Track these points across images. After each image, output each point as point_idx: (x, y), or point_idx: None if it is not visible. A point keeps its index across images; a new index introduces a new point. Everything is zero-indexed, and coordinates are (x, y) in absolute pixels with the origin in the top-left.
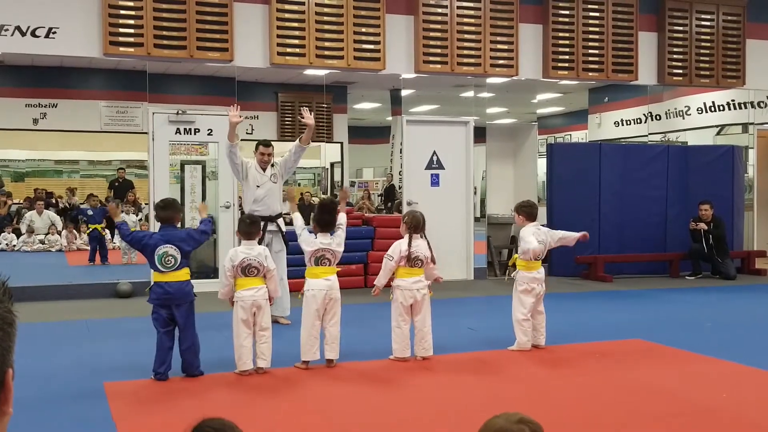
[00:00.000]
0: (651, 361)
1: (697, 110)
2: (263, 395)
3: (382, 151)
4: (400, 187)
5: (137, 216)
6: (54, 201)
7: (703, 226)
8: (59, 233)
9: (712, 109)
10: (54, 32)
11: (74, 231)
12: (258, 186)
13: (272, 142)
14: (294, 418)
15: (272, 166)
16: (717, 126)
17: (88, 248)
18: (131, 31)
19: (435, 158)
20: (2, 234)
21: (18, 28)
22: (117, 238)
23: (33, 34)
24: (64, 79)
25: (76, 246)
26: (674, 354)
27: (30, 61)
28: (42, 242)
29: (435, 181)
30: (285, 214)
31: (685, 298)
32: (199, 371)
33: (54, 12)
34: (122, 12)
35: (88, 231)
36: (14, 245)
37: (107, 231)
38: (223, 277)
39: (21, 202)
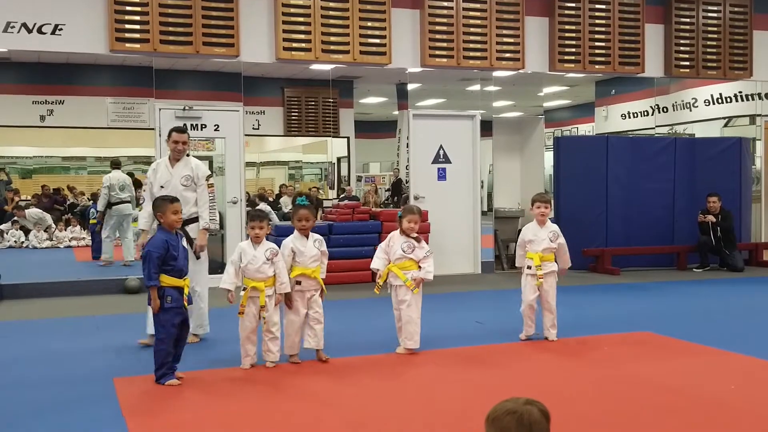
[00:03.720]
0: (659, 353)
1: (705, 102)
2: (272, 390)
3: (388, 145)
4: (407, 182)
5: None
6: (61, 198)
7: (711, 218)
8: (65, 228)
9: (720, 101)
10: (60, 29)
11: (79, 226)
12: (162, 186)
13: (186, 130)
14: (304, 412)
15: (188, 166)
16: (724, 118)
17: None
18: (137, 27)
19: (442, 152)
20: (10, 231)
21: (24, 24)
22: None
23: (39, 31)
24: (71, 75)
25: (85, 242)
26: (682, 346)
27: (37, 57)
28: (50, 239)
29: (442, 175)
30: (194, 219)
31: (692, 291)
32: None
33: (60, 8)
34: (128, 8)
35: (96, 224)
36: (22, 242)
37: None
38: (230, 268)
39: (29, 198)
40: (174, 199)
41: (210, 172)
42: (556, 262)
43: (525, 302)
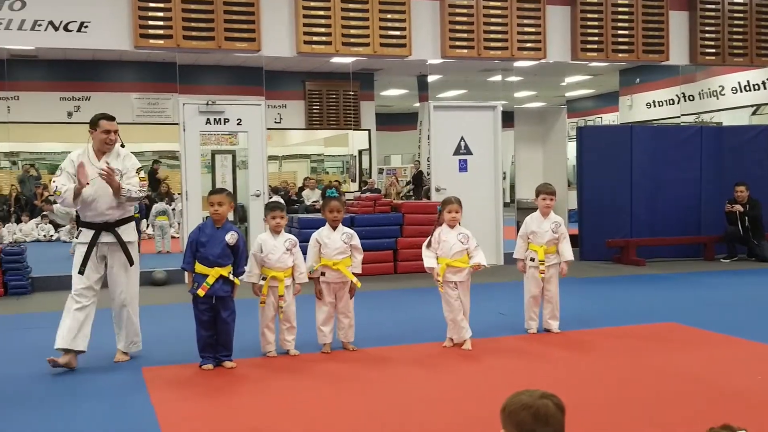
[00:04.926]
0: (685, 344)
1: (732, 90)
2: (298, 377)
3: (409, 137)
4: (428, 174)
5: (170, 206)
6: None
7: (738, 207)
8: None
9: (747, 88)
10: (86, 26)
11: None
12: (87, 183)
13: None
14: (331, 399)
15: (117, 158)
16: (752, 105)
17: None
18: (161, 23)
19: (463, 144)
20: (40, 225)
21: (51, 22)
22: (149, 228)
23: (65, 29)
24: (97, 72)
25: None
26: (709, 337)
27: (63, 55)
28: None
29: (463, 167)
30: (127, 219)
31: (720, 281)
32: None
33: (86, 6)
34: (151, 5)
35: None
36: (52, 235)
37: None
38: (252, 261)
39: None
40: (216, 191)
41: (140, 165)
42: (557, 253)
43: (528, 295)
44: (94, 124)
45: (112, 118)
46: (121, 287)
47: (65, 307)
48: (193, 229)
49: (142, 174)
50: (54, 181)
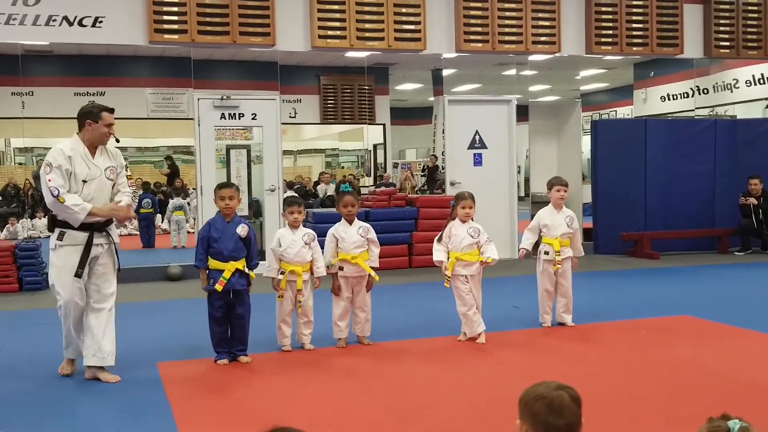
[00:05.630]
0: (699, 336)
1: (746, 83)
2: (314, 371)
3: (424, 131)
4: (443, 168)
5: (185, 200)
6: None
7: (752, 200)
8: None
9: (761, 81)
10: (100, 21)
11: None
12: (85, 181)
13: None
14: (347, 393)
15: (111, 156)
16: (766, 98)
17: (138, 233)
18: (175, 18)
19: (477, 138)
20: None
21: (65, 18)
22: (164, 222)
23: (80, 24)
24: (111, 67)
25: (127, 231)
26: (723, 330)
27: (78, 50)
28: None
29: (478, 161)
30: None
31: (734, 274)
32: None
33: (100, 1)
34: None
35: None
36: None
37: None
38: (271, 256)
39: None
40: (226, 185)
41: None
42: (570, 246)
43: (541, 288)
44: (95, 115)
45: (113, 111)
46: (111, 289)
47: (85, 323)
48: (203, 225)
49: (128, 173)
50: (51, 180)
